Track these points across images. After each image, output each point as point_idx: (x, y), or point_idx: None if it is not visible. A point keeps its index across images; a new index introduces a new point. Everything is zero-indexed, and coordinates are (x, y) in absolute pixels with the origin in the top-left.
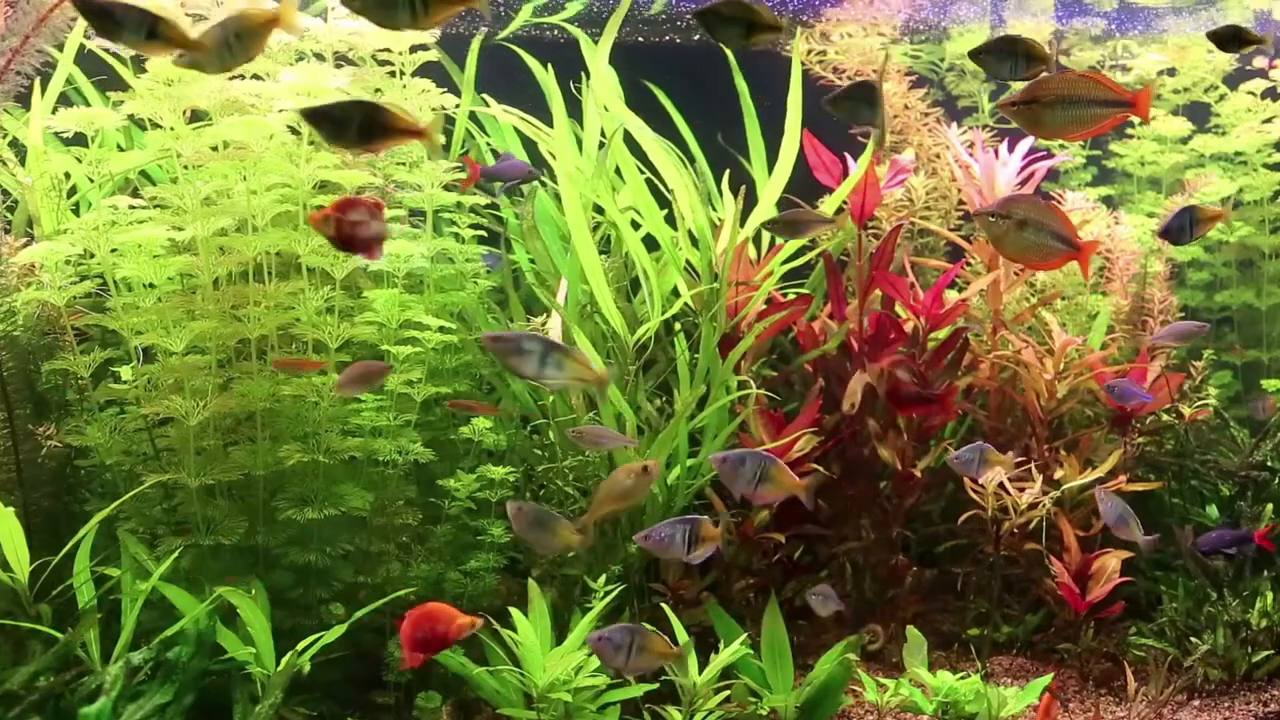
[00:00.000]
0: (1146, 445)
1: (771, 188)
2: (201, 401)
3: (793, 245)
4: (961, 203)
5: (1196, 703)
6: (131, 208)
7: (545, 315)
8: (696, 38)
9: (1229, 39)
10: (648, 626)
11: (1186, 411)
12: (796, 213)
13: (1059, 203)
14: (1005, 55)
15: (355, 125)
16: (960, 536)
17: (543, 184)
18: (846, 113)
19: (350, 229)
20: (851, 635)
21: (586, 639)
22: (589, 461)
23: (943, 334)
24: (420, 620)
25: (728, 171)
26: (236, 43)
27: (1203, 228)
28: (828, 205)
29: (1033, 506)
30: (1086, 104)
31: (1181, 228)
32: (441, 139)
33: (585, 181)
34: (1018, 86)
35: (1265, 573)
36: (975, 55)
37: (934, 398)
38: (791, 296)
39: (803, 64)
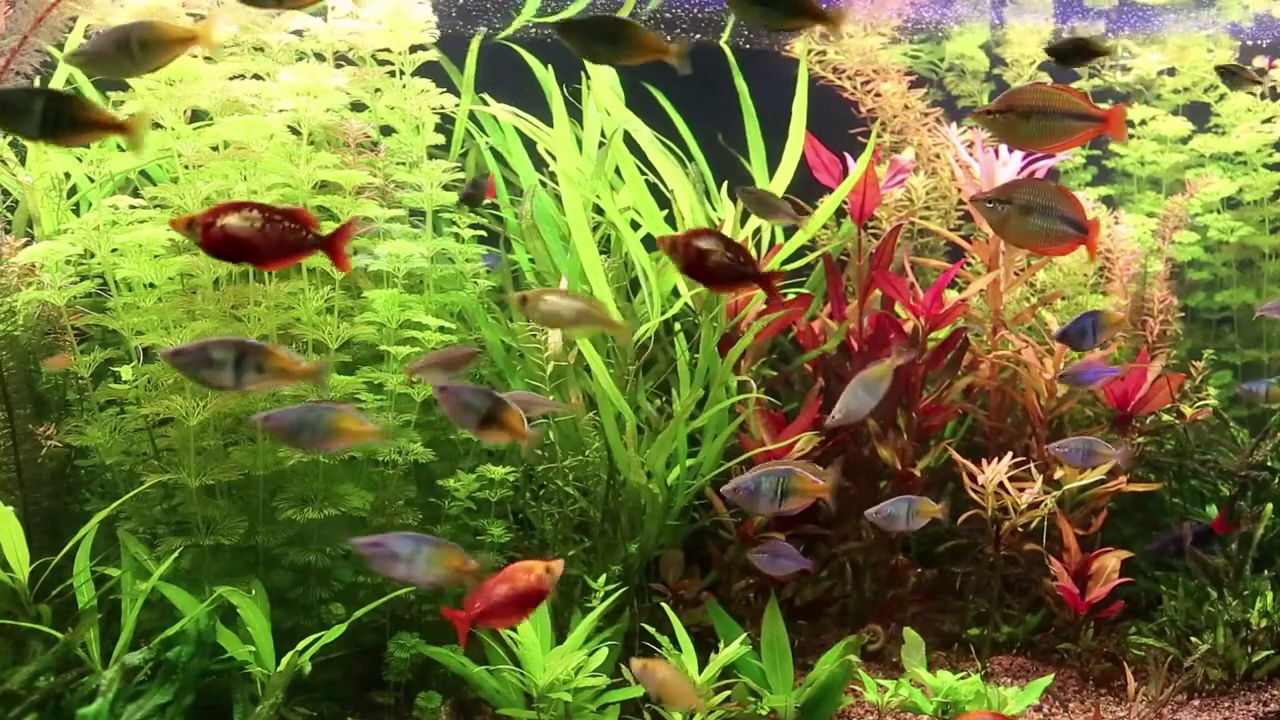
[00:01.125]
0: (1146, 445)
1: (776, 183)
2: (201, 401)
3: (793, 245)
4: (961, 203)
5: (1196, 703)
6: (132, 207)
7: None
8: (697, 37)
9: (1071, 53)
10: None
11: (1188, 411)
12: (769, 194)
13: None
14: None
15: (39, 116)
16: (960, 536)
17: (542, 184)
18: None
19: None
20: (851, 635)
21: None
22: (589, 461)
23: (943, 334)
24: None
25: (726, 181)
26: (140, 52)
27: (1105, 333)
28: (827, 205)
29: (1033, 506)
30: (1060, 117)
31: (1083, 332)
32: (146, 135)
33: (585, 181)
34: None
35: (1265, 572)
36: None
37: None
38: (791, 296)
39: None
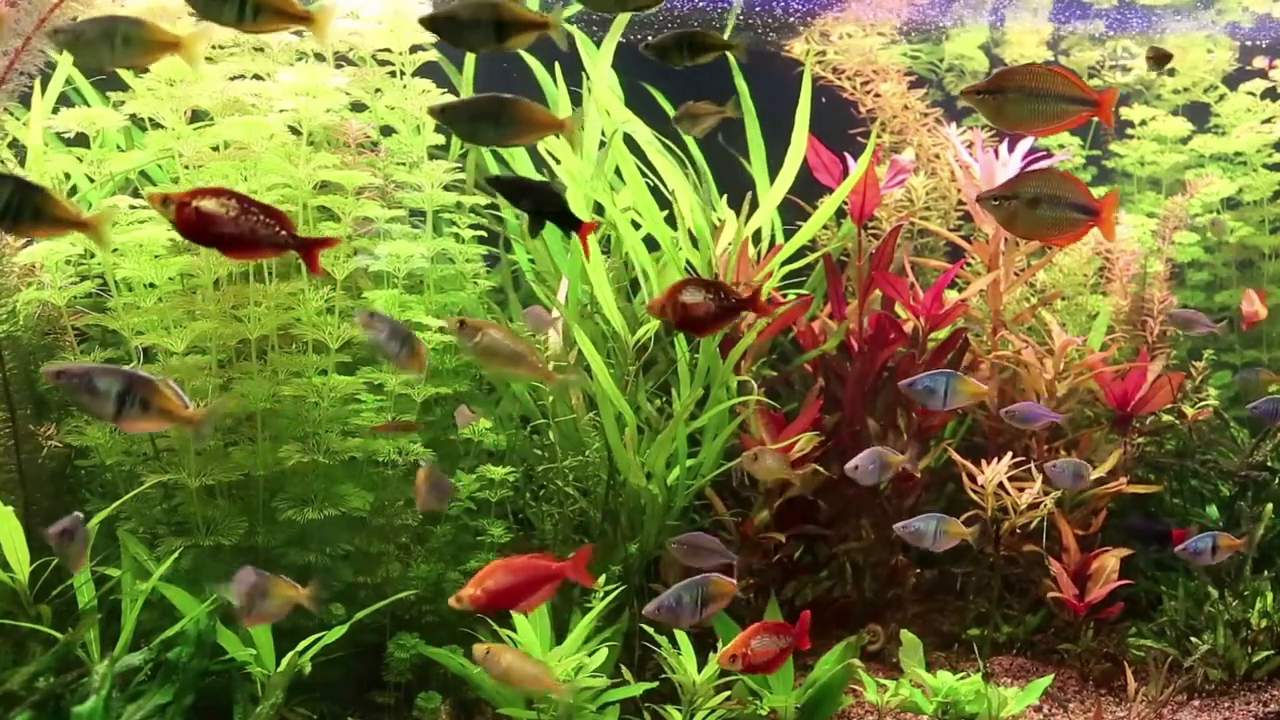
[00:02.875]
0: (1146, 445)
1: (777, 188)
2: (201, 401)
3: (793, 245)
4: (961, 203)
5: (1196, 703)
6: (132, 207)
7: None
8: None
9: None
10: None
11: (1189, 411)
12: (699, 106)
13: None
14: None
15: (3, 204)
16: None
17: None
18: None
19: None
20: (851, 635)
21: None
22: (589, 461)
23: (943, 334)
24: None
25: (726, 181)
26: (122, 46)
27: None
28: (827, 205)
29: (1033, 507)
30: (1051, 99)
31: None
32: (109, 231)
33: (586, 182)
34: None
35: (1265, 573)
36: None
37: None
38: (792, 297)
39: (801, 64)
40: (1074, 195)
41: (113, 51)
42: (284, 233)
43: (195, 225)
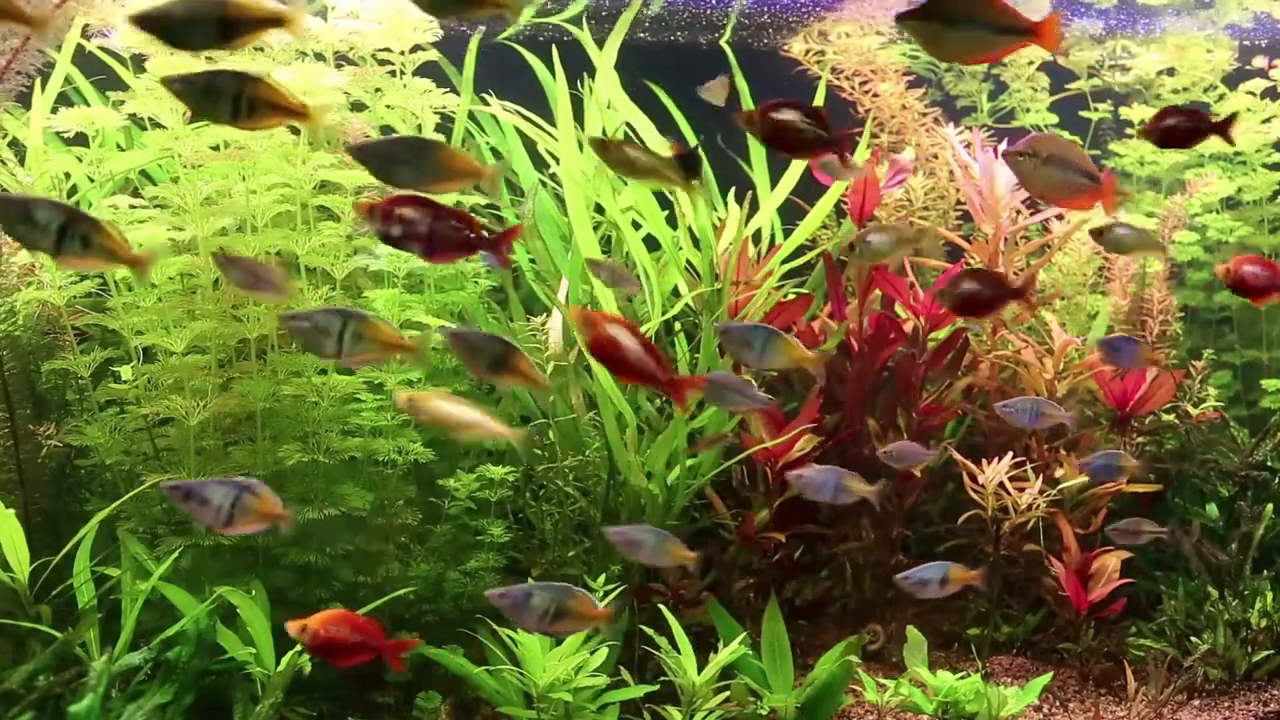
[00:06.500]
0: (1146, 445)
1: (780, 189)
2: (201, 401)
3: (791, 243)
4: (960, 202)
5: (1196, 702)
6: (132, 207)
7: (546, 315)
8: (699, 38)
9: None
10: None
11: (1192, 411)
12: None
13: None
14: None
15: None
16: (960, 536)
17: (542, 184)
18: None
19: None
20: (851, 635)
21: None
22: (589, 461)
23: (943, 334)
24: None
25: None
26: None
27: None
28: (825, 204)
29: (1032, 507)
30: (987, 28)
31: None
32: None
33: (587, 181)
34: (1017, 92)
35: (1265, 572)
36: None
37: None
38: (791, 297)
39: (801, 64)
40: (1083, 162)
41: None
42: (473, 234)
43: (393, 229)
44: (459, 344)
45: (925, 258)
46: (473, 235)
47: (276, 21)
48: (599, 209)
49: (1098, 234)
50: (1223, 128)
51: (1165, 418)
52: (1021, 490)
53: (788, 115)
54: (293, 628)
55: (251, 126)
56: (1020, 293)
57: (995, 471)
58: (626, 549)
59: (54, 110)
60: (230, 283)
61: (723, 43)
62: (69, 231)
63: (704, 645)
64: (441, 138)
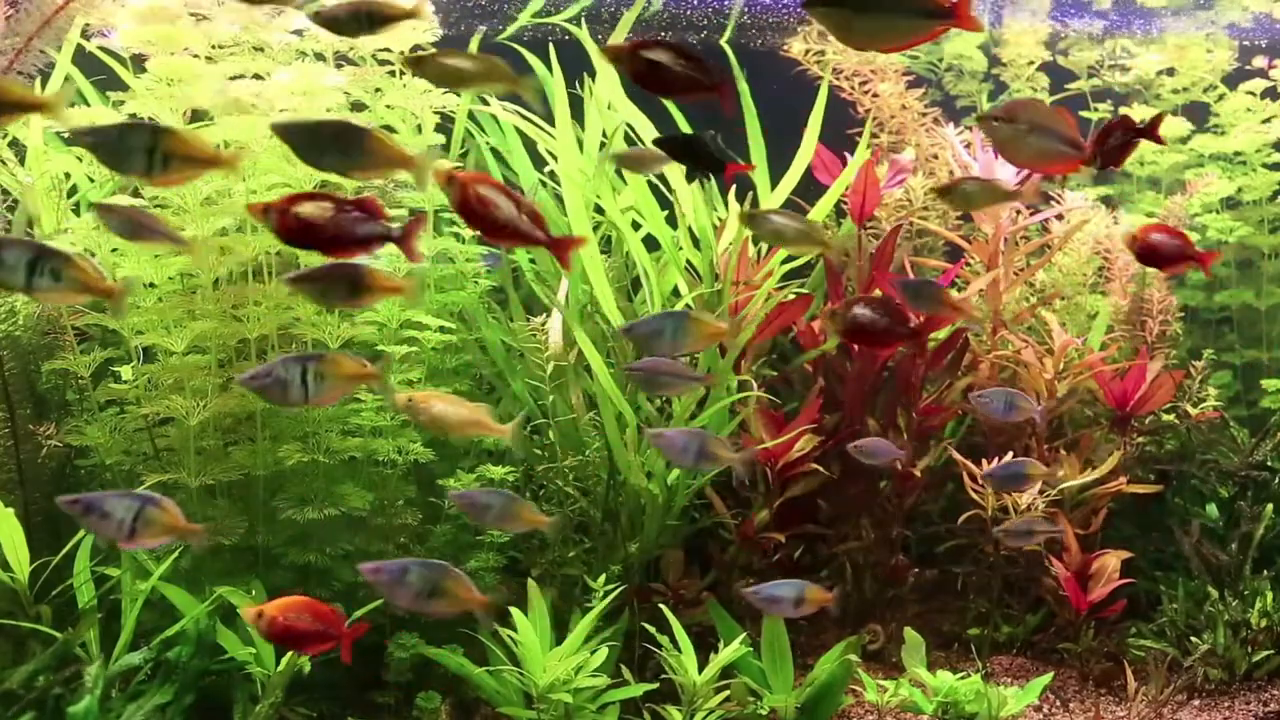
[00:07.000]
0: (1146, 445)
1: (782, 189)
2: (201, 401)
3: None
4: None
5: (1196, 702)
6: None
7: (545, 315)
8: (700, 36)
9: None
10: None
11: (1192, 411)
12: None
13: (1058, 202)
14: None
15: None
16: (960, 536)
17: (542, 184)
18: None
19: None
20: (851, 635)
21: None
22: (589, 461)
23: (943, 334)
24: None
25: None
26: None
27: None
28: (824, 204)
29: (1032, 507)
30: (899, 12)
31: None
32: None
33: (587, 181)
34: (1017, 92)
35: (1265, 573)
36: None
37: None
38: (791, 297)
39: (801, 64)
40: (1065, 129)
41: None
42: (378, 226)
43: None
44: (302, 282)
45: (930, 254)
46: (379, 229)
47: (407, 161)
48: (599, 209)
49: (944, 191)
50: (1151, 132)
51: (1165, 418)
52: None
53: (659, 54)
54: (248, 614)
55: (164, 182)
56: (916, 335)
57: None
58: (472, 513)
59: None
60: (110, 231)
61: (723, 42)
62: (38, 268)
63: (704, 645)
64: (371, 122)
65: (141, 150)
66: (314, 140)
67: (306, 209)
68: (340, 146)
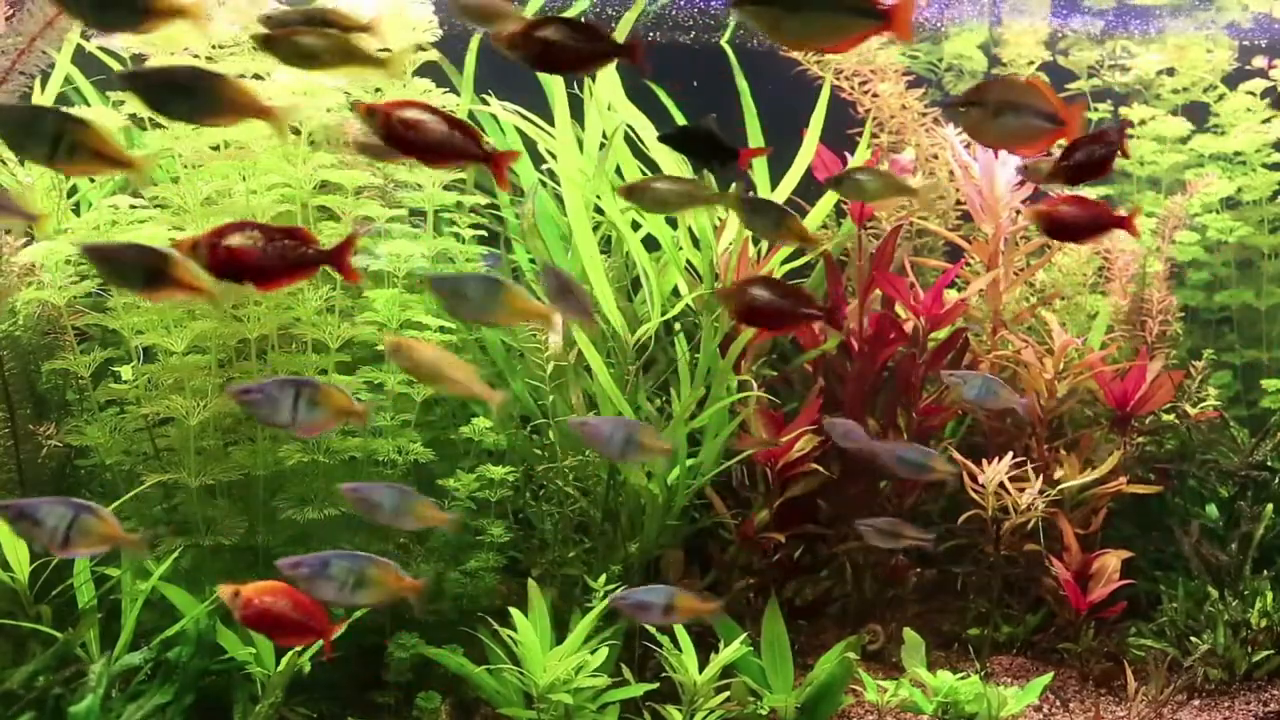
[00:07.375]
0: (1146, 445)
1: (782, 188)
2: (201, 401)
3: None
4: (960, 202)
5: (1196, 702)
6: (132, 207)
7: None
8: (700, 36)
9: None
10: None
11: (1192, 411)
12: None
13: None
14: None
15: None
16: (960, 536)
17: (542, 184)
18: None
19: None
20: (851, 635)
21: None
22: (589, 461)
23: (943, 334)
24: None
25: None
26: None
27: None
28: (824, 204)
29: (1032, 506)
30: (832, 10)
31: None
32: None
33: (587, 181)
34: None
35: (1265, 572)
36: None
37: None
38: None
39: (801, 64)
40: (1040, 103)
41: None
42: (309, 251)
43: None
44: (95, 256)
45: (925, 258)
46: (310, 252)
47: (263, 110)
48: (599, 209)
49: (835, 182)
50: (1120, 147)
51: (1165, 418)
52: (1021, 490)
53: (553, 32)
54: (224, 592)
55: (68, 170)
56: (828, 315)
57: (995, 471)
58: (363, 510)
59: None
60: None
61: (723, 42)
62: (63, 138)
63: (704, 645)
64: (225, 70)
65: (47, 137)
66: (159, 85)
67: (235, 240)
68: (188, 92)
